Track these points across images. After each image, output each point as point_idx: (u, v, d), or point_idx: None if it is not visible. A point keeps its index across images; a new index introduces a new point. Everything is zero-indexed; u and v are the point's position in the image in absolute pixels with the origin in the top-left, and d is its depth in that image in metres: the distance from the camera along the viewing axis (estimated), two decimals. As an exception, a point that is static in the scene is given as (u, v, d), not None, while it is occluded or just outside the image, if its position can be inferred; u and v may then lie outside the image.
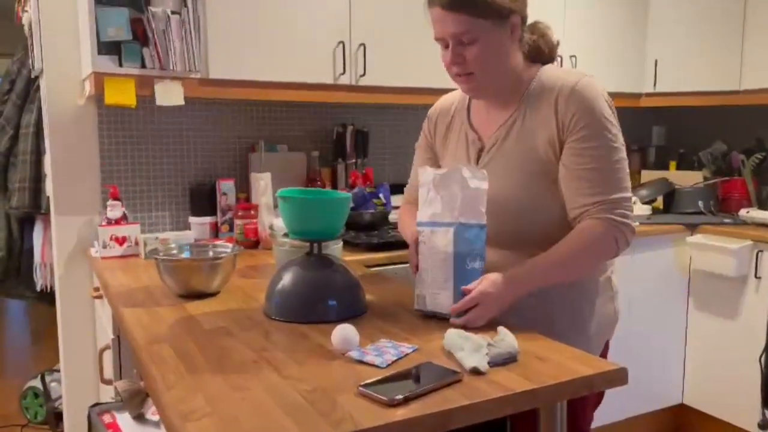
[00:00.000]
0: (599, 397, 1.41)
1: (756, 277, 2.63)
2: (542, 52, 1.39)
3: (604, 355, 1.43)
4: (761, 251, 2.61)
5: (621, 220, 1.26)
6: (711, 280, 2.80)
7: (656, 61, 3.05)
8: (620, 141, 1.29)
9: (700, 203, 3.03)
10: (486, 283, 1.23)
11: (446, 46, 1.32)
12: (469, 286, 1.23)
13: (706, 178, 3.16)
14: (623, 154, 1.29)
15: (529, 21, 1.38)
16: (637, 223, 1.29)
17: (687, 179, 3.15)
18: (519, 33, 1.33)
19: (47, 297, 2.66)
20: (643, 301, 2.78)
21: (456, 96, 1.54)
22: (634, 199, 1.28)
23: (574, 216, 1.30)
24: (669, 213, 3.08)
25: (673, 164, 3.38)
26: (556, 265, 1.27)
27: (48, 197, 2.41)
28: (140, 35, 2.01)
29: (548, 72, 1.36)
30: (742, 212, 2.86)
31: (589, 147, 1.26)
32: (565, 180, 1.29)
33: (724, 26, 2.96)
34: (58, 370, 2.67)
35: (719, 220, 2.89)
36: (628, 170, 1.30)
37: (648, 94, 3.12)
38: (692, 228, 2.83)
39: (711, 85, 3.00)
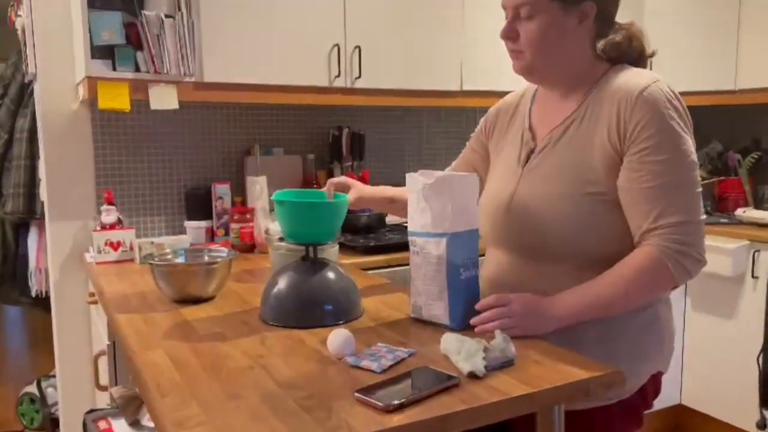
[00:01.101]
0: (640, 421, 1.30)
1: (753, 276, 2.63)
2: (624, 55, 1.26)
3: (654, 387, 1.32)
4: (758, 251, 2.61)
5: (678, 248, 1.12)
6: (708, 280, 2.80)
7: (651, 62, 3.04)
8: (691, 157, 1.14)
9: (697, 203, 3.03)
10: (517, 300, 1.17)
11: (506, 17, 1.23)
12: (490, 301, 1.18)
13: (702, 178, 3.15)
14: (693, 172, 1.14)
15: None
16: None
17: (683, 179, 3.14)
18: (590, 24, 1.21)
19: (43, 303, 2.64)
20: (640, 301, 2.77)
21: (521, 93, 1.43)
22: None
23: (636, 242, 1.17)
24: (665, 213, 3.08)
25: (669, 164, 3.38)
26: (600, 297, 1.15)
27: (42, 202, 2.40)
28: (134, 39, 2.00)
29: (618, 71, 1.22)
30: (739, 212, 2.85)
31: (651, 161, 1.12)
32: (624, 201, 1.16)
33: (719, 26, 2.96)
34: (55, 376, 2.66)
35: (716, 220, 2.89)
36: (699, 190, 1.15)
37: (643, 95, 3.12)
38: (689, 228, 2.83)
39: (706, 85, 3.01)
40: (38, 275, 2.62)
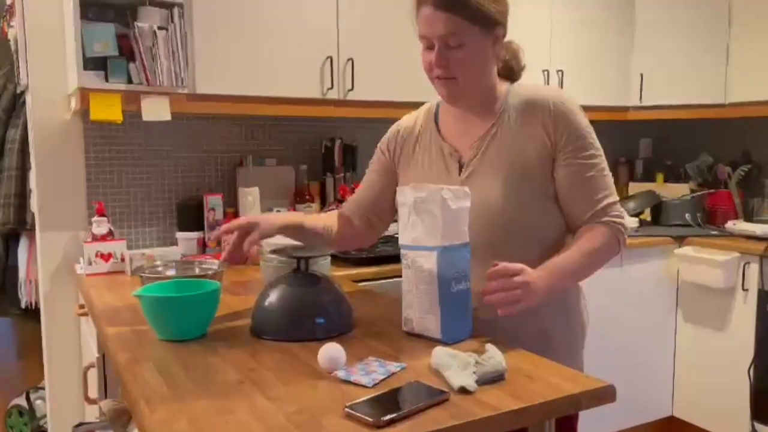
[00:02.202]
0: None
1: (743, 289, 2.65)
2: (513, 72, 1.42)
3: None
4: (748, 263, 2.63)
5: (620, 222, 1.33)
6: (699, 291, 2.81)
7: (642, 75, 3.07)
8: (601, 149, 1.36)
9: (687, 215, 3.05)
10: (528, 272, 1.19)
11: (429, 47, 1.30)
12: (500, 269, 1.18)
13: (692, 191, 3.18)
14: (606, 161, 1.37)
15: (512, 38, 1.40)
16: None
17: (674, 191, 3.17)
18: (500, 46, 1.35)
19: (32, 314, 2.62)
20: (631, 313, 2.78)
21: (417, 115, 1.50)
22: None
23: (580, 224, 1.34)
24: (656, 225, 3.10)
25: (660, 177, 3.41)
26: (569, 269, 1.28)
27: (33, 213, 2.39)
28: (127, 51, 2.00)
29: (524, 86, 1.38)
30: (729, 224, 2.87)
31: (583, 157, 1.31)
32: (568, 192, 1.33)
33: (709, 40, 2.99)
34: (44, 388, 2.64)
35: (706, 232, 2.91)
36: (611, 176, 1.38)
37: (634, 108, 3.14)
38: (680, 240, 2.85)
39: (697, 99, 3.03)
40: (28, 286, 2.60)
